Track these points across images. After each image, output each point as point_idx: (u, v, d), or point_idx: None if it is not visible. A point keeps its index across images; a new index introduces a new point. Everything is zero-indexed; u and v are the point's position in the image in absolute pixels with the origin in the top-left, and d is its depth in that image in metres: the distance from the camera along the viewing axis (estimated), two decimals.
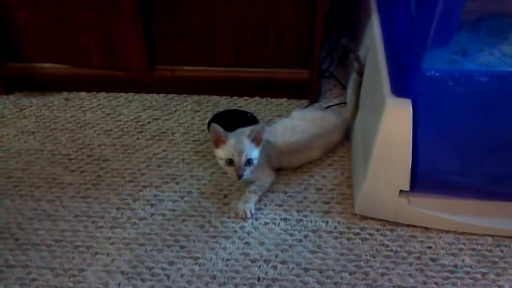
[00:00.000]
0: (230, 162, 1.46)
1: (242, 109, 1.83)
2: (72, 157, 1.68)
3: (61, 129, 1.79)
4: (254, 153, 1.48)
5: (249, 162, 1.46)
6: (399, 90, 1.34)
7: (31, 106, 1.89)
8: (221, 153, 1.47)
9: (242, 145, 1.45)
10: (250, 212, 1.48)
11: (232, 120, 1.71)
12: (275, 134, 1.60)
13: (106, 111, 1.86)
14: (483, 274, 1.35)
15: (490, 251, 1.40)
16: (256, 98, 1.90)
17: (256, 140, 1.48)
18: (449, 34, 1.41)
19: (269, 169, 1.58)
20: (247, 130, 1.51)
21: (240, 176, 1.45)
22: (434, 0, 1.18)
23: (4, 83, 1.92)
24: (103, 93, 1.93)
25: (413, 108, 1.33)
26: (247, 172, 1.47)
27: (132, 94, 1.93)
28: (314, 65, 1.81)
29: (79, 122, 1.81)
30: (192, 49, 1.82)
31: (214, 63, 1.84)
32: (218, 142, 1.48)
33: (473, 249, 1.41)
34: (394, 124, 1.35)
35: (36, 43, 1.84)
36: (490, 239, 1.43)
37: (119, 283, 1.33)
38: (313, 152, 1.64)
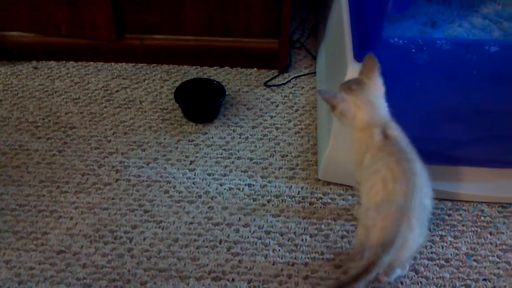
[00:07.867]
0: None
1: (212, 78, 1.82)
2: (39, 124, 1.68)
3: (29, 97, 1.78)
4: None
5: None
6: (360, 55, 1.35)
7: None
8: None
9: None
10: None
11: (198, 89, 1.72)
12: None
13: (75, 80, 1.85)
14: (441, 236, 1.38)
15: (449, 215, 1.43)
16: (226, 68, 1.90)
17: None
18: None
19: None
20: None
21: None
22: None
23: None
24: (72, 62, 1.92)
25: None
26: None
27: (101, 63, 1.91)
28: (283, 35, 1.81)
29: (47, 91, 1.80)
30: (161, 17, 1.80)
31: (184, 32, 1.83)
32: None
33: (433, 213, 1.43)
34: None
35: (4, 11, 1.82)
36: (449, 203, 1.46)
37: (82, 246, 1.34)
38: None
